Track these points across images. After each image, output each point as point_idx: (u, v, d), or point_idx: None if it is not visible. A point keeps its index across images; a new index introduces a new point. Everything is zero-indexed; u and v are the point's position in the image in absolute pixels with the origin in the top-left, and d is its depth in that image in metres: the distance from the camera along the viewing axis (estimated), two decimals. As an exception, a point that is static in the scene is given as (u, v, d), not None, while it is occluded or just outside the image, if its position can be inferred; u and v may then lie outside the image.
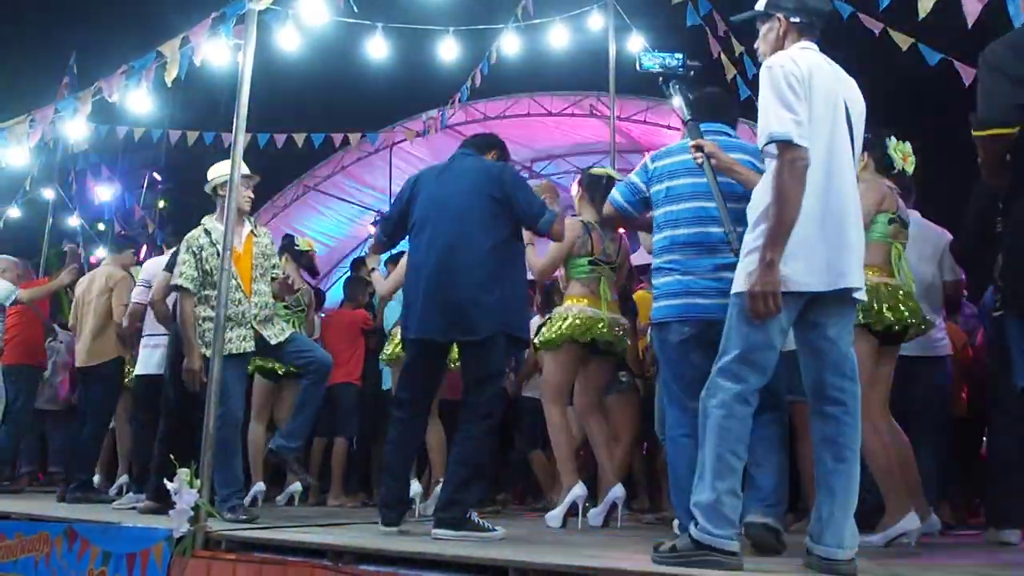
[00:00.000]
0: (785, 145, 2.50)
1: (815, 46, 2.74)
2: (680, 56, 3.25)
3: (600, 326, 4.28)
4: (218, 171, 4.43)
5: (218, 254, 4.14)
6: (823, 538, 2.51)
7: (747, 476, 3.09)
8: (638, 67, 3.30)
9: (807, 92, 2.55)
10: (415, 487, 4.86)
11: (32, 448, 7.33)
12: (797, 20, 2.74)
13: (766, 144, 2.56)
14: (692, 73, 3.25)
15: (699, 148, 2.99)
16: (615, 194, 3.44)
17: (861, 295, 2.63)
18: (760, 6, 2.87)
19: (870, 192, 3.57)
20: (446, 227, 3.62)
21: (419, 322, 3.62)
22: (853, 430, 2.58)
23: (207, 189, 4.51)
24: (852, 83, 2.77)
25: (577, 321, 4.27)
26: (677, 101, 3.24)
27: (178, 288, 4.28)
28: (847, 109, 2.67)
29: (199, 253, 4.28)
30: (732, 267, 2.74)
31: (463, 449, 3.52)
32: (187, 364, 4.21)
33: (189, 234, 4.39)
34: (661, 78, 3.29)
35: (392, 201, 3.92)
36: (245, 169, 4.39)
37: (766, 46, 2.83)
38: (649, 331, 4.26)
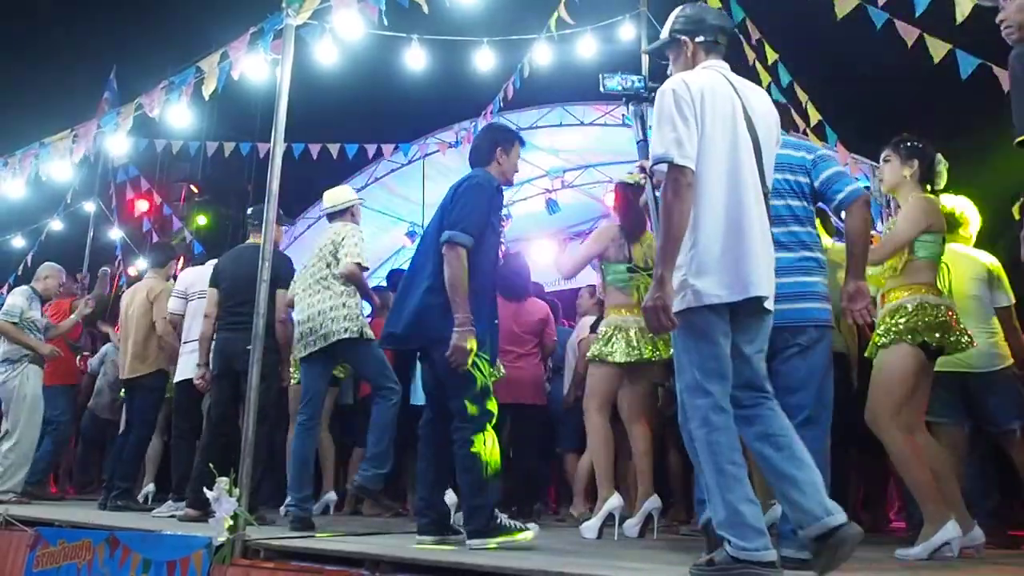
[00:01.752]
0: (669, 166, 2.59)
1: (721, 63, 2.85)
2: (641, 77, 3.30)
3: (652, 339, 4.31)
4: (348, 194, 5.03)
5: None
6: (810, 515, 2.48)
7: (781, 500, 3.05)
8: (601, 88, 3.33)
9: (698, 113, 2.64)
10: (449, 497, 4.87)
11: (87, 458, 7.48)
12: (701, 40, 2.87)
13: (653, 166, 2.67)
14: (652, 95, 3.28)
15: (643, 168, 3.09)
16: None
17: (770, 304, 2.67)
18: (665, 34, 2.96)
19: (913, 212, 3.60)
20: (420, 246, 3.85)
21: (385, 328, 3.86)
22: (776, 417, 2.63)
23: (338, 208, 4.85)
24: (760, 97, 2.85)
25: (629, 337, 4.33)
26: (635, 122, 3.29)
27: (361, 266, 4.63)
28: (751, 123, 2.73)
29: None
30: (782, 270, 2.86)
31: (460, 457, 3.55)
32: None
33: (355, 227, 4.80)
34: (624, 99, 3.32)
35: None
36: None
37: (676, 70, 2.92)
38: None
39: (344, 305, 4.53)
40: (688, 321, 2.59)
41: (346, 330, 4.48)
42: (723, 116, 2.68)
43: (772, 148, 2.83)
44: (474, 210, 3.64)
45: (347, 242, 4.64)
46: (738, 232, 2.61)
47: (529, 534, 3.42)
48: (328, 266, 4.63)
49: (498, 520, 3.45)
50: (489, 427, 3.61)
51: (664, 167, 2.61)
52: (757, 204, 2.68)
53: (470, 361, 3.49)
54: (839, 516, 2.46)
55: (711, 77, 2.75)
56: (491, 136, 3.99)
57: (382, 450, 4.37)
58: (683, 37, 2.90)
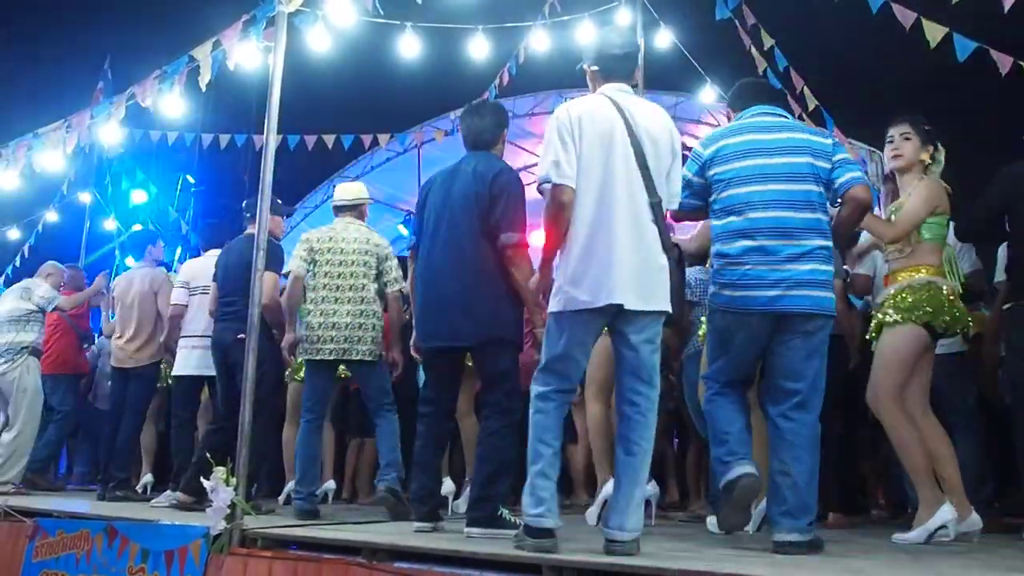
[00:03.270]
0: (548, 184, 2.91)
1: (615, 87, 3.07)
2: None
3: None
4: (362, 191, 4.99)
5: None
6: (608, 521, 2.84)
7: (774, 484, 3.06)
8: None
9: (576, 136, 2.92)
10: (447, 485, 4.88)
11: (87, 449, 7.47)
12: (596, 68, 3.12)
13: (539, 187, 2.97)
14: None
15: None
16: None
17: (637, 305, 2.85)
18: None
19: (926, 192, 3.61)
20: (442, 233, 3.68)
21: (417, 330, 3.82)
22: (643, 427, 2.90)
23: (350, 203, 4.83)
24: (649, 115, 3.03)
25: None
26: None
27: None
28: (636, 140, 2.94)
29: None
30: (807, 255, 3.03)
31: (486, 446, 3.56)
32: None
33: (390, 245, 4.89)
34: None
35: None
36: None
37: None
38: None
39: (373, 327, 4.55)
40: (552, 320, 2.95)
41: (370, 352, 4.53)
42: (600, 136, 2.93)
43: (663, 160, 3.00)
44: (522, 210, 3.64)
45: (392, 265, 4.69)
46: (602, 244, 2.86)
47: None
48: (366, 276, 4.60)
49: (500, 514, 3.46)
50: (517, 422, 3.62)
51: (548, 187, 2.91)
52: (630, 216, 2.89)
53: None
54: (625, 534, 2.78)
55: (594, 102, 3.02)
56: (499, 118, 3.91)
57: (398, 456, 4.47)
58: (584, 64, 3.19)
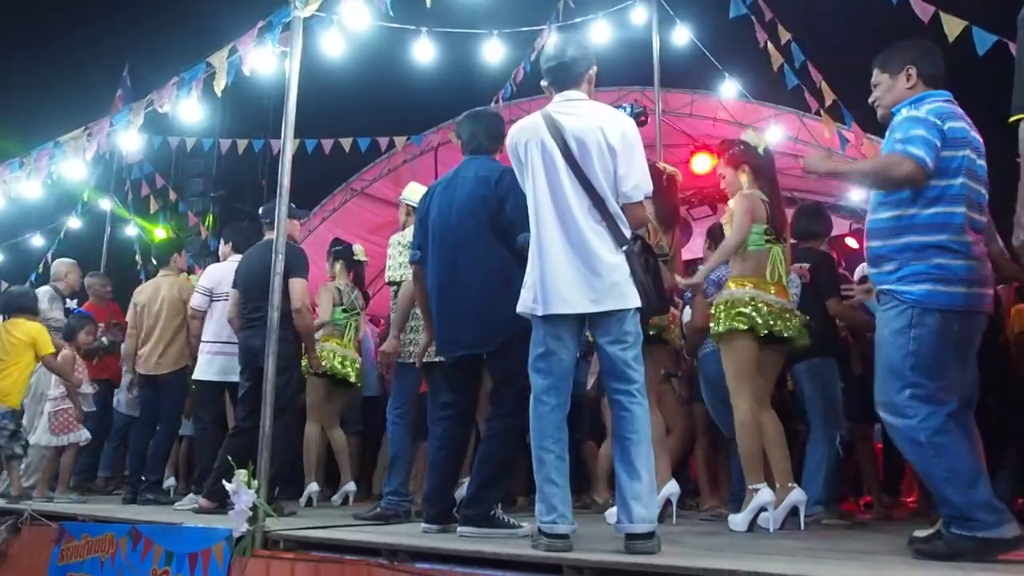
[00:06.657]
0: None
1: (559, 96, 3.14)
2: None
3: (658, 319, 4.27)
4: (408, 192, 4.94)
5: None
6: (619, 516, 2.85)
7: None
8: None
9: (519, 159, 3.11)
10: (462, 490, 4.89)
11: (112, 454, 7.52)
12: (545, 83, 3.23)
13: None
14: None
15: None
16: (924, 154, 2.78)
17: (602, 307, 2.90)
18: None
19: None
20: (450, 240, 3.67)
21: (438, 339, 3.79)
22: (631, 421, 2.91)
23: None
24: (578, 116, 3.03)
25: None
26: None
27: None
28: (566, 145, 2.98)
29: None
30: None
31: (488, 447, 3.56)
32: None
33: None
34: None
35: None
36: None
37: None
38: None
39: None
40: (532, 323, 3.04)
41: None
42: (531, 152, 3.05)
43: (599, 158, 2.97)
44: (527, 208, 3.60)
45: None
46: (541, 256, 2.98)
47: (522, 532, 3.42)
48: None
49: (494, 513, 3.48)
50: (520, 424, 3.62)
51: None
52: (561, 224, 2.96)
53: None
54: (637, 527, 2.77)
55: (528, 121, 3.14)
56: (499, 125, 3.90)
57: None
58: (542, 83, 3.27)
